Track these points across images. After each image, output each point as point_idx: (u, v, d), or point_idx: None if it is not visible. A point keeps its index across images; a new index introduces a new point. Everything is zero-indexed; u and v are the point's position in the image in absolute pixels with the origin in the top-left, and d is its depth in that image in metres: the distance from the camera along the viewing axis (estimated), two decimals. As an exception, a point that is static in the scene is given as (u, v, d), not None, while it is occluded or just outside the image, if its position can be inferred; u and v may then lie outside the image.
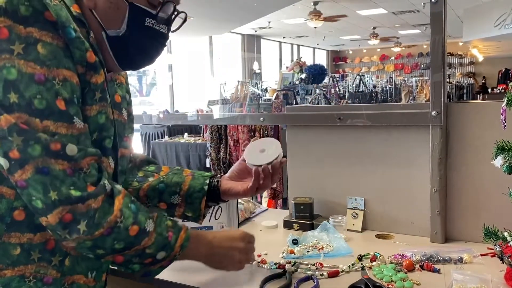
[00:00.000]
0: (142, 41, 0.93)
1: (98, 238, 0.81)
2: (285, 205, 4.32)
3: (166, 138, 6.33)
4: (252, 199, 4.41)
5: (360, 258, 1.30)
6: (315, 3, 9.35)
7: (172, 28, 0.99)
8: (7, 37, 0.75)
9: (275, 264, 1.27)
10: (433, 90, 1.41)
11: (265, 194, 4.34)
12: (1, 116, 0.75)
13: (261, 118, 1.73)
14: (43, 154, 0.76)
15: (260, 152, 1.17)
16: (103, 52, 0.91)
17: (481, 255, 1.29)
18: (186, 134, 6.26)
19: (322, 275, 1.20)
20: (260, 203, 3.98)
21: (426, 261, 1.26)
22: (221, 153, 4.03)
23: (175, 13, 0.96)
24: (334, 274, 1.21)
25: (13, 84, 0.75)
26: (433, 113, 1.40)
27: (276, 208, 4.12)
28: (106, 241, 0.82)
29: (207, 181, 1.18)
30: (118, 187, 0.87)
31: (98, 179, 0.82)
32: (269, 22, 11.40)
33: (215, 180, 1.19)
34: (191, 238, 0.97)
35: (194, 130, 6.54)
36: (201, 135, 6.00)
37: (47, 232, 0.83)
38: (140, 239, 0.86)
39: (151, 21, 0.92)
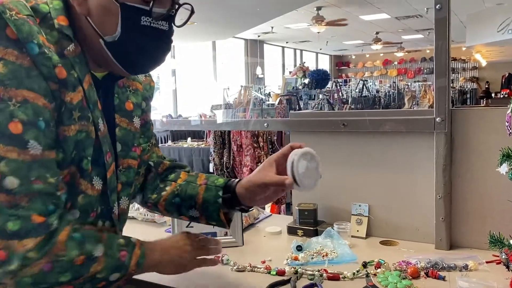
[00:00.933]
0: (141, 42, 0.86)
1: (37, 274, 0.74)
2: (288, 210, 4.31)
3: (169, 142, 6.34)
4: (255, 204, 4.40)
5: (365, 265, 1.30)
6: (318, 8, 9.37)
7: (178, 23, 0.91)
8: None
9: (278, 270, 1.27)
10: (438, 96, 1.40)
11: (268, 199, 4.32)
12: None
13: (265, 124, 1.74)
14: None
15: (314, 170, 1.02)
16: (106, 59, 0.88)
17: (487, 262, 1.28)
18: (189, 139, 6.27)
19: (321, 275, 1.21)
20: (263, 208, 3.98)
21: (431, 268, 1.25)
22: (224, 158, 4.03)
23: (176, 6, 0.89)
24: (334, 278, 1.21)
25: None
26: (437, 119, 1.39)
27: (280, 213, 4.11)
28: (48, 276, 0.76)
29: (220, 193, 1.07)
30: (67, 218, 0.81)
31: (45, 215, 0.76)
32: (272, 27, 11.43)
33: (229, 192, 1.07)
34: (146, 252, 0.90)
35: (197, 134, 6.55)
36: (204, 139, 6.01)
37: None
38: (88, 267, 0.80)
39: (147, 19, 0.85)
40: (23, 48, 0.75)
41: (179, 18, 0.91)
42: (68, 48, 0.83)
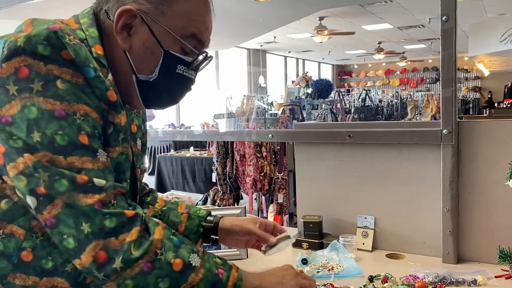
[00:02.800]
0: (171, 87, 0.93)
1: (138, 275, 0.75)
2: (291, 220, 4.29)
3: (172, 151, 6.34)
4: (259, 214, 4.40)
5: (371, 279, 1.28)
6: (321, 18, 9.41)
7: None
8: (26, 76, 0.75)
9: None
10: (444, 107, 1.39)
11: (271, 209, 4.31)
12: (25, 154, 0.73)
13: (270, 135, 1.73)
14: (71, 189, 0.74)
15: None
16: (131, 93, 0.91)
17: (496, 277, 1.26)
18: (191, 148, 6.27)
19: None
20: (266, 218, 3.96)
21: (439, 283, 1.23)
22: (227, 168, 4.02)
23: (206, 60, 0.96)
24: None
25: (35, 123, 0.74)
26: (444, 131, 1.38)
27: (282, 224, 4.09)
28: (148, 279, 0.76)
29: (203, 223, 1.14)
30: (155, 219, 0.83)
31: (132, 209, 0.79)
32: (274, 37, 11.47)
33: (211, 222, 1.15)
34: (243, 276, 0.89)
35: (200, 143, 6.55)
36: (207, 149, 6.01)
37: (54, 278, 0.81)
38: (187, 276, 0.79)
39: (182, 67, 0.91)
40: (78, 69, 0.78)
41: None
42: (108, 77, 0.86)
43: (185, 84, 0.94)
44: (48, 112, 0.74)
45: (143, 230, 0.78)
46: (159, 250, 0.77)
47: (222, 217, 1.18)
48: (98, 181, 0.76)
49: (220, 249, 1.50)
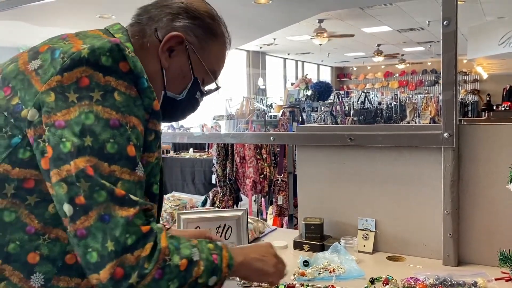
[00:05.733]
0: (186, 108, 1.06)
1: (151, 283, 0.78)
2: (290, 222, 4.29)
3: (172, 153, 6.34)
4: (258, 216, 4.40)
5: (372, 281, 1.29)
6: (320, 21, 9.42)
7: None
8: (87, 85, 0.79)
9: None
10: (445, 110, 1.40)
11: (271, 211, 4.32)
12: (72, 161, 0.76)
13: (271, 138, 1.73)
14: (107, 200, 0.76)
15: None
16: None
17: (496, 279, 1.27)
18: (191, 150, 6.26)
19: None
20: (265, 220, 3.96)
21: (440, 285, 1.24)
22: (227, 170, 4.03)
23: (216, 90, 1.11)
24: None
25: (89, 128, 0.77)
26: (445, 134, 1.39)
27: (282, 225, 4.10)
28: (160, 284, 0.79)
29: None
30: (159, 224, 0.87)
31: (148, 224, 0.82)
32: (274, 39, 11.48)
33: None
34: (232, 254, 0.94)
35: (199, 145, 6.54)
36: (207, 150, 6.01)
37: None
38: (191, 272, 0.84)
39: (199, 94, 1.05)
40: (132, 81, 0.84)
41: None
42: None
43: (195, 106, 1.09)
44: (104, 121, 0.78)
45: (156, 242, 0.81)
46: (167, 256, 0.80)
47: (169, 228, 1.24)
48: (133, 196, 0.79)
49: (222, 251, 1.51)
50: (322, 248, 1.56)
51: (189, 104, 1.05)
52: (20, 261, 0.80)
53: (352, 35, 10.32)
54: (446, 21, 1.37)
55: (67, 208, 0.76)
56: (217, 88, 1.11)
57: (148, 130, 0.87)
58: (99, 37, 0.90)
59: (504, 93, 14.68)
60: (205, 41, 1.01)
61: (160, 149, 0.94)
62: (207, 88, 1.09)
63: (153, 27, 0.97)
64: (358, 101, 9.46)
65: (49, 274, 0.81)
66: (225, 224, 1.52)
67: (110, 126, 0.78)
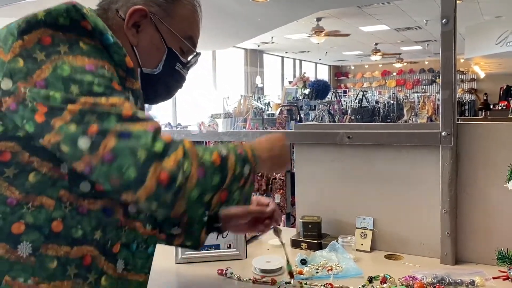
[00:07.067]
0: (169, 82, 1.02)
1: (198, 182, 0.79)
2: (288, 221, 4.30)
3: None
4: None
5: (370, 279, 1.28)
6: (318, 19, 9.42)
7: None
8: (51, 43, 0.78)
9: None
10: (443, 109, 1.40)
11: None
12: (69, 106, 0.75)
13: (269, 136, 1.73)
14: (120, 121, 0.76)
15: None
16: None
17: (493, 278, 1.27)
18: (188, 148, 6.24)
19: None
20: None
21: (438, 284, 1.24)
22: (224, 168, 4.02)
23: (196, 59, 1.06)
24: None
25: (69, 78, 0.76)
26: (443, 133, 1.39)
27: (279, 223, 4.09)
28: (206, 181, 0.81)
29: (206, 212, 1.15)
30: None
31: (167, 136, 0.82)
32: (272, 37, 11.47)
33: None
34: (252, 146, 0.96)
35: (196, 143, 6.53)
36: (204, 149, 5.98)
37: (84, 247, 0.82)
38: (226, 165, 0.85)
39: (179, 65, 1.01)
40: (96, 38, 0.82)
41: None
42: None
43: (179, 81, 1.04)
44: (80, 68, 0.78)
45: (183, 146, 0.81)
46: (199, 155, 0.81)
47: None
48: (141, 115, 0.79)
49: (219, 249, 1.50)
50: (320, 247, 1.55)
51: (171, 78, 1.02)
52: (4, 233, 0.79)
53: (347, 35, 10.32)
54: (445, 20, 1.37)
55: (83, 141, 0.74)
56: (197, 54, 1.06)
57: (125, 89, 0.85)
58: None
59: (501, 92, 14.72)
60: (169, 7, 0.97)
61: (144, 111, 0.90)
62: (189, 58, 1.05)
63: (114, 8, 0.95)
64: (355, 99, 9.47)
65: (36, 242, 0.79)
66: (222, 223, 1.51)
67: (87, 71, 0.78)
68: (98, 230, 0.84)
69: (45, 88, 0.75)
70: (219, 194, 0.85)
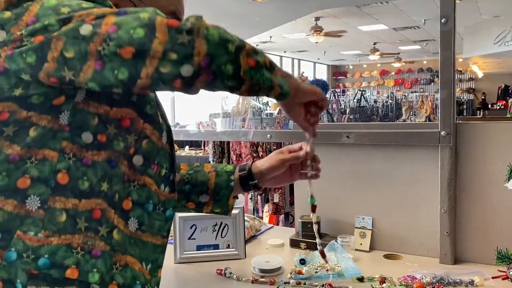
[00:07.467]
0: None
1: (212, 25, 0.74)
2: (286, 220, 4.30)
3: (167, 151, 6.31)
4: (254, 214, 4.39)
5: (370, 279, 1.28)
6: (317, 19, 9.43)
7: None
8: None
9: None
10: (443, 109, 1.40)
11: (267, 209, 4.32)
12: (64, 27, 0.73)
13: (268, 135, 1.73)
14: (115, 12, 0.74)
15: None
16: None
17: (492, 277, 1.27)
18: (187, 147, 6.25)
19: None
20: (261, 218, 3.96)
21: (437, 284, 1.24)
22: (223, 168, 4.02)
23: None
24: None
25: (59, 5, 0.75)
26: (442, 133, 1.39)
27: (278, 223, 4.10)
28: (220, 28, 0.76)
29: (232, 177, 1.20)
30: None
31: None
32: (270, 37, 11.48)
33: (245, 170, 1.21)
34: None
35: (195, 143, 6.53)
36: (202, 148, 5.99)
37: (92, 200, 0.81)
38: (243, 44, 0.78)
39: None
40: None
41: None
42: None
43: None
44: None
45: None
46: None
47: (252, 162, 1.24)
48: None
49: (218, 248, 1.50)
50: (319, 246, 1.55)
51: None
52: (10, 189, 0.78)
53: (343, 31, 10.31)
54: (444, 19, 1.36)
55: (84, 28, 0.72)
56: None
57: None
58: None
59: (499, 91, 14.75)
60: None
61: None
62: None
63: None
64: (354, 99, 9.47)
65: (43, 195, 0.79)
66: (221, 222, 1.51)
67: None
68: (105, 182, 0.82)
69: (38, 22, 0.75)
70: (247, 58, 0.77)
